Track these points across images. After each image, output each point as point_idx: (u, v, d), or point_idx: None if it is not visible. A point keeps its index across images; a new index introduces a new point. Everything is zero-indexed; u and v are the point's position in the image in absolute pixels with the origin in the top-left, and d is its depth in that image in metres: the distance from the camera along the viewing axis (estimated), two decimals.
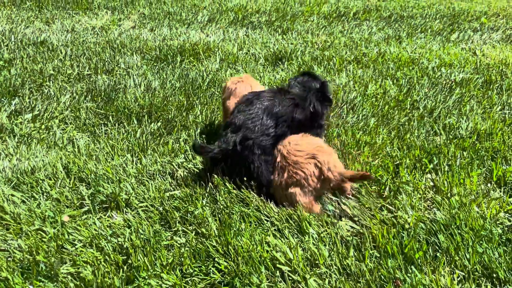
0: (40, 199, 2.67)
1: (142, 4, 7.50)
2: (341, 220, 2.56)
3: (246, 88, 3.15)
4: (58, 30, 6.02)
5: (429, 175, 2.93)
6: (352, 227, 2.51)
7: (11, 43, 5.34)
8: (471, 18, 6.86)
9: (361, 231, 2.45)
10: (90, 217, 2.56)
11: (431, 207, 2.68)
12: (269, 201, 2.61)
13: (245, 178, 2.72)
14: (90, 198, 2.69)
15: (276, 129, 2.69)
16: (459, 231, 2.37)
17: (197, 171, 2.92)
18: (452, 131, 3.41)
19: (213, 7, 7.42)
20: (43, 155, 3.13)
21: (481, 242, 2.32)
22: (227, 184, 2.69)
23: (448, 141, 3.26)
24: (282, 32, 6.09)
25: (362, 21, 6.71)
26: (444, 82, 4.33)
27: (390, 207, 2.62)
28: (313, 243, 2.34)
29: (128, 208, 2.61)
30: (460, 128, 3.44)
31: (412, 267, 2.17)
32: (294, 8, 7.42)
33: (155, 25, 6.35)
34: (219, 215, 2.53)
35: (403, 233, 2.38)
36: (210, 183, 2.74)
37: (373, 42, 5.65)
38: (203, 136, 3.37)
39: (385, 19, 6.81)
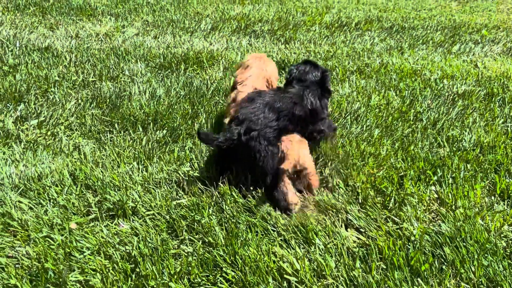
0: (47, 206, 2.68)
1: (146, 12, 7.54)
2: (347, 231, 2.58)
3: (258, 63, 3.35)
4: (62, 36, 6.04)
5: (433, 187, 2.95)
6: (358, 238, 2.52)
7: (16, 48, 5.36)
8: (472, 30, 6.92)
9: (367, 242, 2.47)
10: (97, 224, 2.57)
11: (436, 219, 2.70)
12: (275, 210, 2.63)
13: (251, 188, 2.75)
14: (97, 205, 2.70)
15: (278, 122, 2.76)
16: (464, 243, 2.39)
17: (203, 179, 2.94)
18: (456, 143, 3.44)
19: (216, 15, 7.47)
20: (50, 162, 3.14)
21: (486, 255, 2.34)
22: (233, 193, 2.71)
23: (452, 153, 3.29)
24: (285, 41, 6.13)
25: (364, 31, 6.77)
26: (447, 94, 4.37)
27: (395, 219, 2.64)
28: (319, 254, 2.36)
29: (135, 216, 2.62)
30: (464, 141, 3.47)
31: (419, 279, 2.19)
32: (296, 17, 7.48)
33: (158, 32, 6.38)
34: (226, 224, 2.55)
35: (409, 245, 2.40)
36: (216, 192, 2.76)
37: (376, 52, 5.70)
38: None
39: (387, 30, 6.87)
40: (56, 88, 4.35)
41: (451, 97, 4.31)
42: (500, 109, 4.08)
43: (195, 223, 2.54)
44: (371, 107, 4.00)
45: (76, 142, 3.45)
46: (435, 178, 3.01)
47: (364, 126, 3.66)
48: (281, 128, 2.80)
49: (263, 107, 2.78)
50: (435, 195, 2.89)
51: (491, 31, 6.94)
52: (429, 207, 2.79)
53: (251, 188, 2.76)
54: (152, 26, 6.73)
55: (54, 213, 2.60)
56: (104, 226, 2.55)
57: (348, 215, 2.67)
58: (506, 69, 5.12)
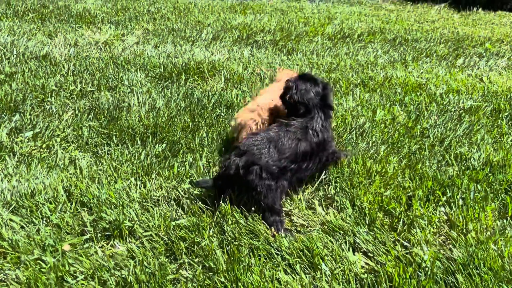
0: (40, 225, 2.55)
1: (146, 20, 7.46)
2: (355, 255, 2.46)
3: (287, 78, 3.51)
4: (61, 44, 5.95)
5: (442, 208, 2.84)
6: (366, 263, 2.40)
7: (13, 56, 5.25)
8: (475, 44, 6.85)
9: (376, 268, 2.35)
10: (92, 245, 2.44)
11: (447, 242, 2.59)
12: (280, 232, 2.51)
13: (253, 208, 2.64)
14: (92, 224, 2.58)
15: (280, 162, 2.66)
16: (478, 271, 2.28)
17: (204, 198, 2.82)
18: (464, 162, 3.34)
19: (217, 24, 7.39)
20: (44, 176, 3.01)
21: (500, 283, 2.23)
22: (235, 213, 2.59)
23: (461, 173, 3.18)
24: (287, 52, 6.05)
25: (367, 43, 6.69)
26: (453, 109, 4.27)
27: (405, 243, 2.52)
28: (326, 280, 2.24)
29: (131, 237, 2.50)
30: (472, 159, 3.36)
31: None
32: (298, 28, 7.40)
33: (159, 41, 6.29)
34: (227, 247, 2.42)
35: (420, 272, 2.28)
36: (217, 212, 2.64)
37: (379, 65, 5.61)
38: (209, 160, 3.28)
39: (390, 42, 6.80)
40: (53, 98, 4.23)
41: (458, 112, 4.22)
42: (508, 126, 3.97)
43: (195, 246, 2.41)
44: (377, 123, 3.89)
45: (72, 155, 3.33)
46: (444, 198, 2.90)
47: (370, 142, 3.55)
48: (282, 167, 2.69)
49: (266, 141, 2.68)
50: (445, 217, 2.78)
51: (495, 44, 6.88)
52: (439, 230, 2.67)
53: (253, 208, 2.64)
54: (152, 35, 6.64)
55: (47, 232, 2.47)
56: (99, 247, 2.42)
57: (356, 237, 2.55)
58: None
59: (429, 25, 8.18)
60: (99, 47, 5.93)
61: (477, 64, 5.81)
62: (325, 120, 2.96)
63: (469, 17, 9.10)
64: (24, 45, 5.74)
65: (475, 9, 9.57)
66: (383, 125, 3.87)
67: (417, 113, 4.17)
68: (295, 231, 2.66)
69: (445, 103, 4.44)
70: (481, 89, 4.85)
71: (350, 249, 2.49)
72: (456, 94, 4.70)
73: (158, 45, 6.14)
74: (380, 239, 2.53)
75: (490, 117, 4.17)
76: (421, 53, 6.24)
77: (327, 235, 2.58)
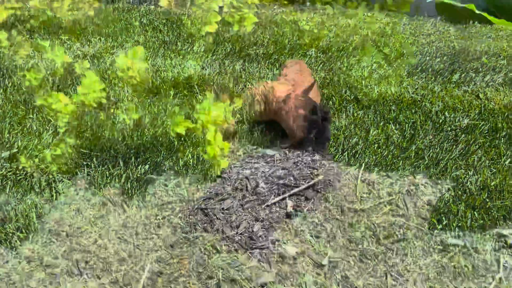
0: (10, 256, 2.39)
1: (137, 32, 7.33)
2: None
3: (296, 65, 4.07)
4: (48, 57, 5.79)
5: (438, 238, 2.69)
6: None
7: None
8: (471, 58, 6.74)
9: None
10: (63, 280, 2.28)
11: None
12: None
13: (237, 238, 2.48)
14: (64, 256, 2.41)
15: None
16: None
17: (184, 225, 2.65)
18: (461, 186, 3.19)
19: (209, 36, 7.26)
20: (17, 202, 2.84)
21: None
22: (218, 247, 2.43)
23: (457, 198, 3.03)
24: (280, 66, 5.91)
25: (361, 57, 6.57)
26: (449, 128, 4.13)
27: (396, 275, 2.37)
28: None
29: (104, 272, 2.33)
30: (469, 183, 3.22)
31: None
32: (292, 41, 7.28)
33: (149, 54, 6.15)
34: (208, 282, 2.26)
35: None
36: (201, 246, 2.48)
37: (373, 80, 5.48)
38: (192, 184, 3.12)
39: (385, 56, 6.68)
40: (34, 114, 4.07)
41: (454, 132, 4.07)
42: (506, 147, 3.84)
43: (173, 282, 2.25)
44: (370, 143, 3.74)
45: (49, 177, 3.17)
46: (440, 227, 2.75)
47: (363, 164, 3.41)
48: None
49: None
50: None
51: (491, 58, 6.77)
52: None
53: (238, 238, 2.49)
54: (143, 48, 6.49)
55: (15, 266, 2.31)
56: (69, 282, 2.25)
57: (347, 272, 2.39)
58: (510, 100, 4.91)
59: (424, 38, 8.08)
60: (87, 60, 5.78)
61: (473, 79, 5.69)
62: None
63: (465, 30, 9.01)
64: (9, 58, 5.59)
65: (471, 21, 9.50)
66: (376, 145, 3.72)
67: (412, 132, 4.03)
68: (281, 263, 2.50)
69: (440, 121, 4.30)
70: (478, 106, 4.72)
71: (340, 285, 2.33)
72: (452, 111, 4.56)
73: (148, 58, 6.00)
74: (371, 274, 2.38)
75: (487, 137, 4.03)
76: (416, 67, 6.12)
77: (316, 268, 2.43)
